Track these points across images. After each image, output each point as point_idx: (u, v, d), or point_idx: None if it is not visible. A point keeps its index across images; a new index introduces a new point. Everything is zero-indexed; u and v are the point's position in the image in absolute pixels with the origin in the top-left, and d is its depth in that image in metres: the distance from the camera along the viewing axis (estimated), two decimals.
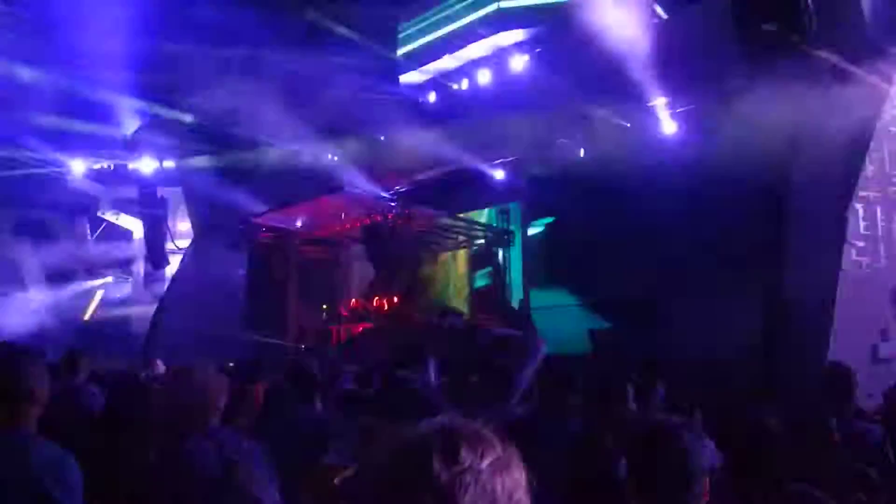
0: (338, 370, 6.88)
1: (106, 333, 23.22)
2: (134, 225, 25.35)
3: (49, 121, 19.46)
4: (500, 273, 19.21)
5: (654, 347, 11.34)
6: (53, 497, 2.80)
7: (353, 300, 20.94)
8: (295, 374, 5.04)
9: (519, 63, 13.92)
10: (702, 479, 2.39)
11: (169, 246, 22.40)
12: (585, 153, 14.55)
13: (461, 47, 14.45)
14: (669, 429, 2.47)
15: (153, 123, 20.94)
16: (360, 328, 18.90)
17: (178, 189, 22.25)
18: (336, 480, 3.29)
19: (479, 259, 20.20)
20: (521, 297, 17.02)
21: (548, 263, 16.10)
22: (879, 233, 9.90)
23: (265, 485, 2.36)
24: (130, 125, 21.16)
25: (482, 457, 1.27)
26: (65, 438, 3.60)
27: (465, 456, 1.26)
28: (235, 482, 2.29)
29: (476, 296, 19.86)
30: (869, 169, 9.78)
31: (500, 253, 19.32)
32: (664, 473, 2.40)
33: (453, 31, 15.56)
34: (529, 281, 16.84)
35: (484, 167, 16.05)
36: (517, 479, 1.30)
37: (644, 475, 2.45)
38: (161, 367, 9.43)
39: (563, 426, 5.06)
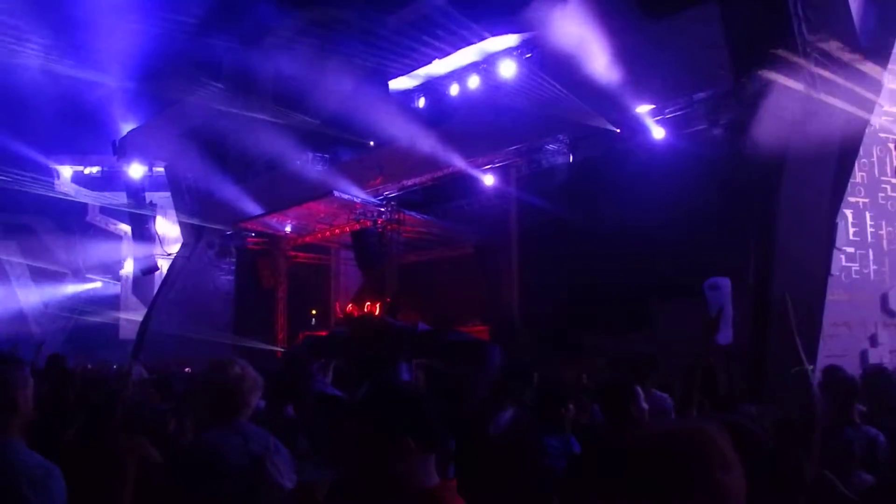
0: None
1: (94, 337, 23.13)
2: (123, 230, 25.25)
3: (38, 125, 19.41)
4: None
5: (643, 348, 11.32)
6: None
7: (350, 305, 20.87)
8: None
9: (508, 68, 13.89)
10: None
11: (157, 251, 22.31)
12: (574, 158, 14.55)
13: (451, 52, 14.39)
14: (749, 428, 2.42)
15: (142, 128, 20.87)
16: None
17: (168, 194, 22.17)
18: (322, 497, 3.24)
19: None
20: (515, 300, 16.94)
21: (539, 266, 16.04)
22: (869, 239, 9.93)
23: (291, 477, 2.45)
24: (120, 130, 21.10)
25: (735, 460, 1.46)
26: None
27: (731, 459, 1.44)
28: (264, 474, 2.37)
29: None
30: (858, 175, 9.81)
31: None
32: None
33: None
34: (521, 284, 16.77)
35: (474, 172, 16.02)
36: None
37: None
38: (143, 372, 9.24)
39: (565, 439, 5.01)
